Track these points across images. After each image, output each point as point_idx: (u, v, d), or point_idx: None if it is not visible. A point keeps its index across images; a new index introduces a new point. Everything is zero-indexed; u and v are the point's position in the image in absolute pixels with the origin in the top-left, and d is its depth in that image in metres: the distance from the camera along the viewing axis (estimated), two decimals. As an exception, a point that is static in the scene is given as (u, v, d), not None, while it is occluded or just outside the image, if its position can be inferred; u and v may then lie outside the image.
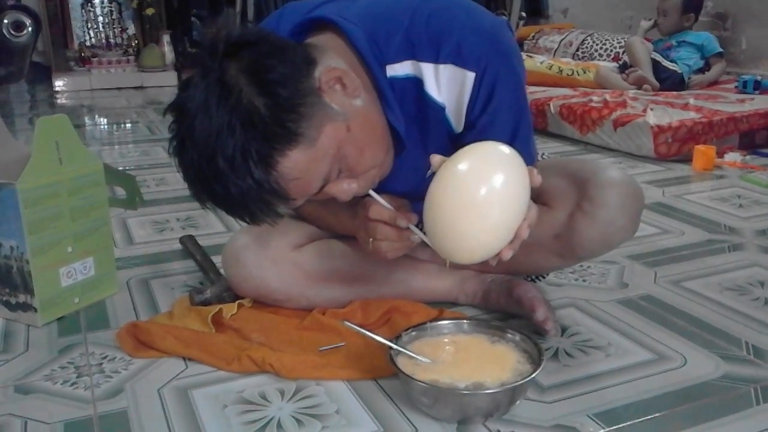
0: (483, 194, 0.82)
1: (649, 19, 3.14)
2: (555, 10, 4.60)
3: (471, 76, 0.94)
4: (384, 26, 0.96)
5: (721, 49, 3.01)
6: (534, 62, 3.17)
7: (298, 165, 0.85)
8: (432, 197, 0.85)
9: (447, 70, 0.95)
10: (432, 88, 0.96)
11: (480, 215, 0.82)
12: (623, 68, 3.07)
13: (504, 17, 1.14)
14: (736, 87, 2.85)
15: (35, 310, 1.16)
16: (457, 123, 0.99)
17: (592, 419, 0.90)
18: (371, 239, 1.00)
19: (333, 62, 0.90)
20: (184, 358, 1.06)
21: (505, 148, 0.85)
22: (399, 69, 0.96)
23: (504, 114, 0.97)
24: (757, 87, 2.77)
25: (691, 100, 2.56)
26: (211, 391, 0.98)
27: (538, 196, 1.11)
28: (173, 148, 0.87)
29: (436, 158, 0.86)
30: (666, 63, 2.96)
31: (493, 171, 0.83)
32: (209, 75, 0.83)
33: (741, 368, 1.03)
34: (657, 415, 0.92)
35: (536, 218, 0.88)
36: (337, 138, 0.88)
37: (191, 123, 0.83)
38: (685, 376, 1.01)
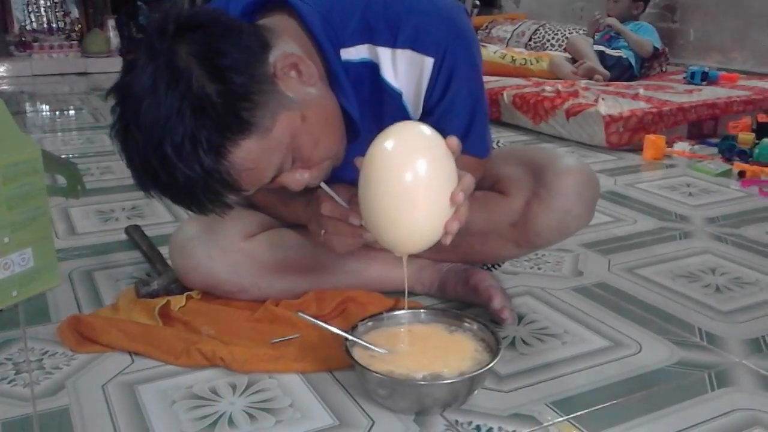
0: (408, 181, 0.81)
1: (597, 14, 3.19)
2: (508, 0, 4.62)
3: (430, 61, 0.92)
4: (340, 7, 0.93)
5: (651, 37, 3.03)
6: (487, 52, 3.17)
7: (251, 155, 0.82)
8: (361, 193, 0.84)
9: (405, 56, 0.93)
10: (389, 74, 0.94)
11: (408, 202, 0.81)
12: (572, 62, 3.11)
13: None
14: (684, 78, 2.90)
15: (-31, 304, 1.10)
16: (415, 110, 0.97)
17: (550, 407, 0.90)
18: (323, 232, 0.98)
19: (288, 47, 0.87)
20: (129, 353, 1.02)
21: (424, 128, 0.84)
22: (354, 53, 0.93)
23: (462, 101, 0.96)
24: (705, 78, 2.83)
25: (641, 91, 2.59)
26: (159, 386, 0.95)
27: (494, 184, 1.10)
28: (116, 132, 0.82)
29: (359, 160, 0.85)
30: (609, 51, 3.02)
31: (414, 156, 0.81)
32: (157, 58, 0.79)
33: (695, 354, 1.03)
34: (614, 402, 0.91)
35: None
36: (292, 128, 0.85)
37: (137, 107, 0.79)
38: (640, 363, 1.01)
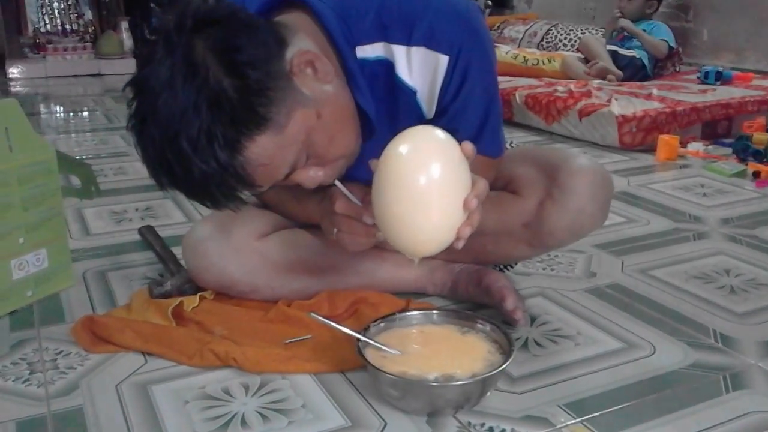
0: (422, 184, 0.80)
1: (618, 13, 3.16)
2: (519, 0, 4.61)
3: (444, 59, 0.92)
4: (355, 5, 0.93)
5: (666, 38, 3.02)
6: (499, 52, 3.16)
7: (266, 151, 0.82)
8: (375, 195, 0.84)
9: (419, 53, 0.92)
10: (403, 72, 0.94)
11: (422, 205, 0.81)
12: (584, 62, 3.09)
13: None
14: (698, 78, 2.88)
15: (-15, 304, 1.11)
16: (429, 108, 0.97)
17: (563, 409, 0.89)
18: (335, 230, 0.98)
19: (304, 45, 0.87)
20: (143, 353, 1.02)
21: (439, 133, 0.83)
22: (369, 51, 0.93)
23: (476, 99, 0.96)
24: (719, 78, 2.81)
25: (655, 91, 2.58)
26: (172, 386, 0.95)
27: (507, 184, 1.10)
28: (132, 126, 0.83)
29: (374, 163, 0.85)
30: (623, 51, 3.00)
31: (429, 159, 0.81)
32: (175, 51, 0.79)
33: (709, 356, 1.03)
34: (628, 404, 0.91)
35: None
36: (307, 125, 0.85)
37: (154, 100, 0.79)
38: (654, 365, 1.00)
